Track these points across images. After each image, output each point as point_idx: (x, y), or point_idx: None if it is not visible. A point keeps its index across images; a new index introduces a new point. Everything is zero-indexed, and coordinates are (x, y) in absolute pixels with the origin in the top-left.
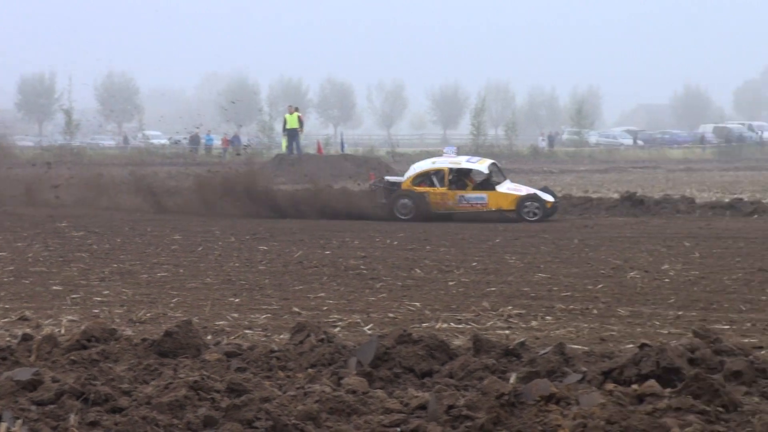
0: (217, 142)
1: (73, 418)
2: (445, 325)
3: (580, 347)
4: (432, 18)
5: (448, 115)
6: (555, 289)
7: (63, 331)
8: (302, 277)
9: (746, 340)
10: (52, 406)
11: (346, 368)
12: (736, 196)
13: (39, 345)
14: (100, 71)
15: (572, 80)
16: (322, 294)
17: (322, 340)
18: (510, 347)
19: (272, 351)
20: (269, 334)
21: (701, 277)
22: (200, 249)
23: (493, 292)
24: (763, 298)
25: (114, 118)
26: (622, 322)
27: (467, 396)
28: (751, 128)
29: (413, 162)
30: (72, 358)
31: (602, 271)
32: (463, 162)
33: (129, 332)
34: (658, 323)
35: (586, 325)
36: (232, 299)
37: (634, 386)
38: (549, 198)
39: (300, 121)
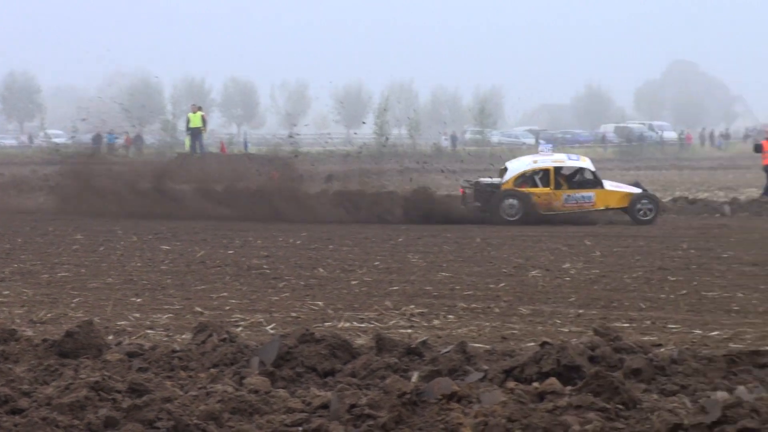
0: (120, 141)
1: None
2: (347, 325)
3: (481, 346)
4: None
5: (351, 115)
6: (457, 288)
7: None
8: (205, 277)
9: (646, 338)
10: None
11: (249, 368)
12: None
13: None
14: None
15: (475, 80)
16: (225, 294)
17: (224, 340)
18: (412, 346)
19: (174, 351)
20: (171, 334)
21: (602, 275)
22: (102, 249)
23: (395, 291)
24: (662, 296)
25: (16, 116)
26: (524, 320)
27: (369, 395)
28: (651, 128)
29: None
30: None
31: (504, 270)
32: (567, 160)
33: (29, 333)
34: (559, 321)
35: (487, 324)
36: (134, 299)
37: (535, 384)
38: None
39: (203, 120)
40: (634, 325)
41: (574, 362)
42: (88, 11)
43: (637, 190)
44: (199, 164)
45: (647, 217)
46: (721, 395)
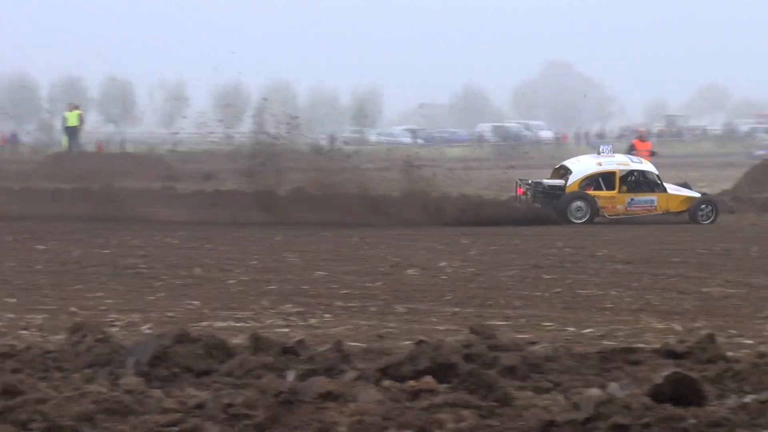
0: None
1: None
2: (224, 324)
3: (358, 344)
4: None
5: (230, 114)
6: (334, 286)
7: None
8: (80, 277)
9: (520, 336)
10: None
11: (124, 368)
12: (512, 194)
13: None
14: None
15: (354, 80)
16: (101, 293)
17: (99, 340)
18: (288, 345)
19: (48, 352)
20: (46, 334)
21: (477, 273)
22: None
23: (272, 291)
24: (537, 294)
25: None
26: (400, 319)
27: (245, 394)
28: (528, 127)
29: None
30: None
31: (381, 269)
32: (631, 163)
33: None
34: (435, 320)
35: (364, 323)
36: (7, 300)
37: (411, 382)
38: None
39: (80, 118)
40: (509, 323)
41: (449, 360)
42: None
43: (697, 195)
44: (76, 163)
45: (709, 220)
46: (594, 392)
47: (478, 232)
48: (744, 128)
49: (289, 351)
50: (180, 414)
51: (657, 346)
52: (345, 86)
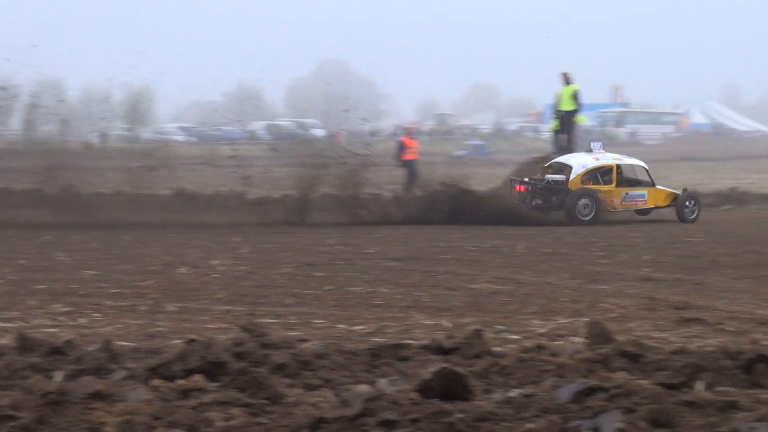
0: None
1: None
2: None
3: (127, 344)
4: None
5: None
6: (104, 285)
7: None
8: None
9: (291, 334)
10: None
11: None
12: (285, 192)
13: None
14: None
15: (127, 77)
16: None
17: None
18: (56, 345)
19: None
20: None
21: (250, 272)
22: None
23: (41, 290)
24: (309, 291)
25: None
26: (171, 318)
27: (11, 395)
28: (301, 126)
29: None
30: None
31: (152, 268)
32: (624, 158)
33: None
34: (206, 318)
35: (134, 322)
36: None
37: (181, 381)
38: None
39: None
40: (280, 320)
41: (220, 359)
42: None
43: (678, 191)
44: None
45: (693, 216)
46: (363, 388)
47: (250, 230)
48: (512, 127)
49: (57, 351)
50: None
51: (426, 342)
52: (119, 84)
